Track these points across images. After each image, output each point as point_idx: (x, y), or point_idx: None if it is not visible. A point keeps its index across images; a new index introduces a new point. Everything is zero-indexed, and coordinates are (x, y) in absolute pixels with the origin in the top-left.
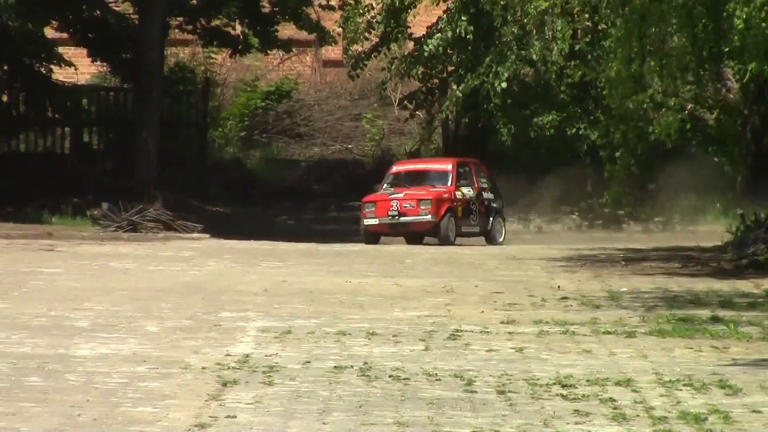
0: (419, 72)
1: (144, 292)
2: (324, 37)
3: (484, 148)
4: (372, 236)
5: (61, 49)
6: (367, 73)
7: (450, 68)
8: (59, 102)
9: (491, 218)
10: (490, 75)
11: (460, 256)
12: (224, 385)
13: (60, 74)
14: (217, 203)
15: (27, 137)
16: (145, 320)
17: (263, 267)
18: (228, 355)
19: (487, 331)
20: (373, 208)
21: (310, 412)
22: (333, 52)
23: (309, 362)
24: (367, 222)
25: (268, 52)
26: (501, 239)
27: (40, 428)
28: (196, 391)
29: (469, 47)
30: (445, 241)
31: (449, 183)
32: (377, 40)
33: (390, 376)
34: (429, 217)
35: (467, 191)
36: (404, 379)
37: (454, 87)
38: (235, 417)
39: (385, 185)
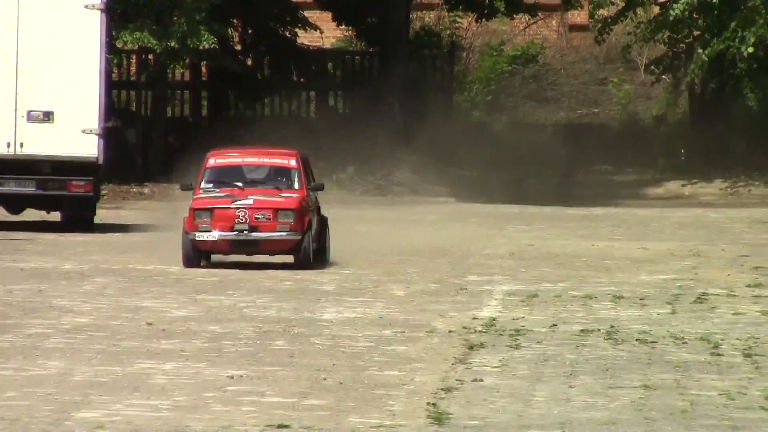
0: (665, 36)
1: (390, 256)
2: (570, 2)
3: (729, 114)
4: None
5: (306, 13)
6: (613, 37)
7: (696, 32)
8: (304, 66)
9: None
10: (736, 40)
11: (707, 219)
12: (471, 348)
13: (305, 38)
14: (463, 167)
15: (272, 101)
16: (392, 284)
17: (510, 230)
18: (474, 318)
19: (734, 295)
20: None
21: (556, 375)
22: (579, 16)
23: (555, 325)
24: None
25: (514, 16)
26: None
27: (286, 392)
28: (443, 355)
29: (715, 12)
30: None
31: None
32: (623, 4)
33: (637, 340)
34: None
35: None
36: (651, 342)
37: (700, 51)
38: (482, 381)
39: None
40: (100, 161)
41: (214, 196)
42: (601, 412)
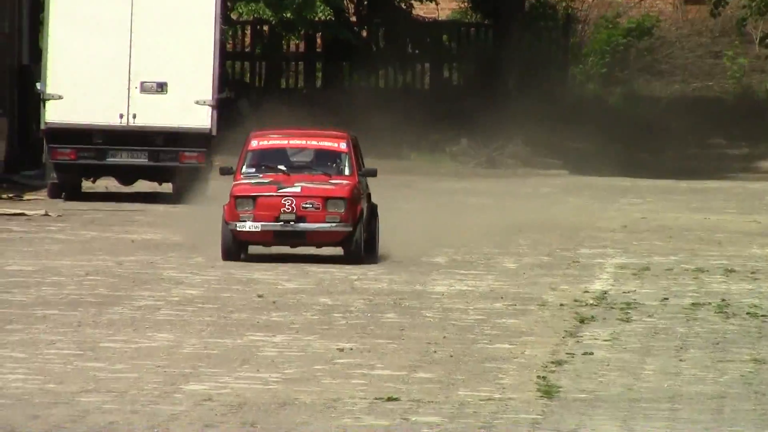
0: None
1: (501, 229)
2: None
3: None
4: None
5: None
6: (729, 10)
7: None
8: (419, 38)
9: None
10: None
11: None
12: (581, 321)
13: (420, 10)
14: (577, 140)
15: (386, 73)
16: (503, 257)
17: (622, 203)
18: (586, 291)
19: None
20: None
21: (666, 349)
22: None
23: (666, 299)
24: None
25: None
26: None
27: (395, 365)
28: (553, 328)
29: None
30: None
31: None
32: None
33: (747, 313)
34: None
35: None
36: (762, 316)
37: None
38: (592, 354)
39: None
40: (213, 132)
41: (257, 183)
42: (711, 386)
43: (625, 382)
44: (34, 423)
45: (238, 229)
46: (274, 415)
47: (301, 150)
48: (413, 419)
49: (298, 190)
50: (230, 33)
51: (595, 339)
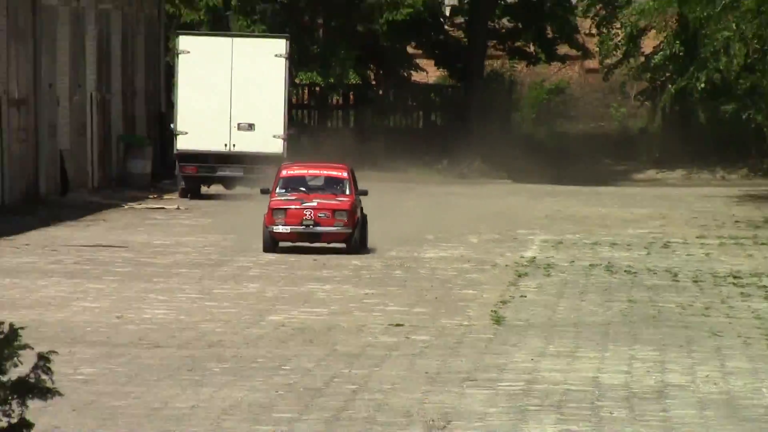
0: (648, 76)
1: (468, 217)
2: (586, 54)
3: (688, 127)
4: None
5: (417, 60)
6: (614, 77)
7: (667, 74)
8: (415, 94)
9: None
10: (693, 79)
11: (671, 194)
12: (519, 276)
13: (417, 77)
14: (517, 160)
15: (394, 117)
16: (469, 235)
17: (545, 201)
18: (522, 257)
19: (687, 243)
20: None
21: (573, 294)
22: (592, 63)
23: (573, 262)
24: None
25: (551, 63)
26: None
27: (401, 303)
28: (501, 280)
29: (680, 60)
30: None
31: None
32: (622, 56)
33: (625, 271)
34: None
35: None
36: (633, 273)
37: (670, 86)
38: (525, 297)
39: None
40: (285, 156)
41: (287, 199)
42: (601, 317)
43: (546, 314)
44: (171, 340)
45: (274, 230)
46: (323, 336)
47: (315, 177)
48: (412, 338)
49: (315, 204)
50: (294, 91)
51: (528, 287)
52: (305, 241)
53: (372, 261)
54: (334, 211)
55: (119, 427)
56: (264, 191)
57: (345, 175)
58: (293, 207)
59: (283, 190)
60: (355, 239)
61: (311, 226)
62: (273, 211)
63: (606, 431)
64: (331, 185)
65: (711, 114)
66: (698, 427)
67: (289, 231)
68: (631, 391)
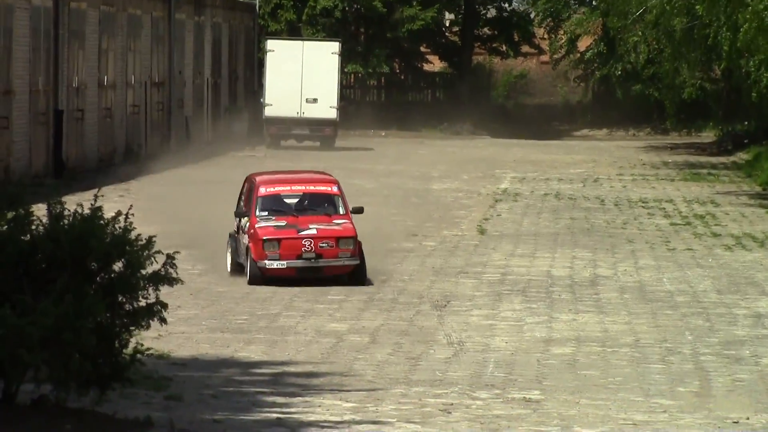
0: (582, 66)
1: (460, 161)
2: (541, 51)
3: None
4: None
5: (428, 56)
6: (561, 66)
7: (596, 65)
8: (427, 79)
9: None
10: (614, 68)
11: (599, 146)
12: (496, 201)
13: (427, 67)
14: (494, 123)
15: (414, 95)
16: (461, 173)
17: (514, 151)
18: (498, 188)
19: (610, 178)
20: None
21: (533, 213)
22: (545, 57)
23: (533, 192)
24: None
25: (516, 57)
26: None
27: (417, 219)
28: (484, 204)
29: (604, 55)
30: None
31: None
32: (564, 52)
33: (568, 197)
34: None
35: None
36: (574, 199)
37: (597, 73)
38: (500, 215)
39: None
40: (337, 119)
41: (277, 226)
42: (552, 229)
43: (514, 227)
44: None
45: (267, 266)
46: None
47: (299, 194)
48: (423, 243)
49: (314, 232)
50: (344, 78)
51: (502, 209)
52: (305, 277)
53: (394, 191)
54: (338, 239)
55: (222, 306)
56: (239, 214)
57: (335, 189)
58: (288, 237)
59: (265, 213)
60: (362, 271)
61: (313, 260)
62: (264, 243)
63: (556, 307)
64: (321, 203)
65: (625, 92)
66: (619, 305)
67: (285, 266)
68: (573, 280)
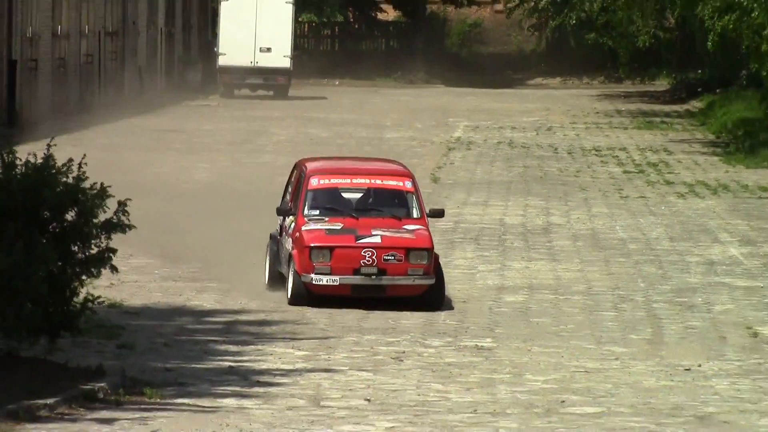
0: (536, 15)
1: (414, 110)
2: (495, 0)
3: (564, 49)
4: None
5: (382, 5)
6: (515, 15)
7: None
8: (380, 28)
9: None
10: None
11: (553, 95)
12: (449, 150)
13: (381, 16)
14: (447, 72)
15: (370, 43)
16: (414, 121)
17: (467, 99)
18: (451, 136)
19: (563, 127)
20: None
21: (487, 161)
22: (499, 6)
23: (486, 140)
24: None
25: (471, 6)
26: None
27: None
28: (437, 152)
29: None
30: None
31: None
32: (519, 2)
33: (521, 146)
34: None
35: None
36: (527, 147)
37: (551, 22)
38: (453, 164)
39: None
40: (291, 68)
41: (331, 231)
42: (505, 177)
43: (469, 175)
44: (208, 194)
45: (314, 282)
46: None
47: (363, 188)
48: None
49: (378, 240)
50: (298, 26)
51: (455, 157)
52: (361, 296)
53: (348, 140)
54: (408, 250)
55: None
56: (282, 212)
57: (409, 185)
58: (343, 246)
59: (316, 212)
60: (440, 292)
61: (374, 277)
62: (311, 251)
63: (508, 255)
64: (389, 202)
65: (579, 41)
66: (572, 253)
67: (338, 283)
68: (526, 228)
